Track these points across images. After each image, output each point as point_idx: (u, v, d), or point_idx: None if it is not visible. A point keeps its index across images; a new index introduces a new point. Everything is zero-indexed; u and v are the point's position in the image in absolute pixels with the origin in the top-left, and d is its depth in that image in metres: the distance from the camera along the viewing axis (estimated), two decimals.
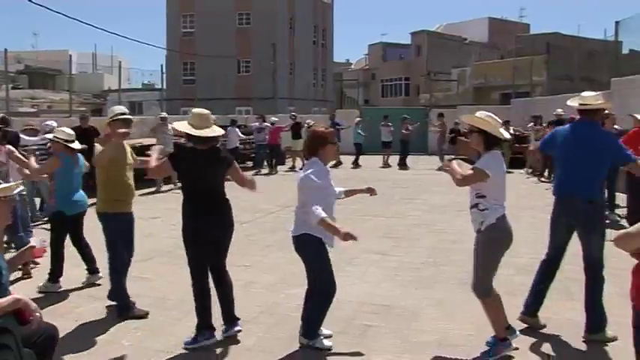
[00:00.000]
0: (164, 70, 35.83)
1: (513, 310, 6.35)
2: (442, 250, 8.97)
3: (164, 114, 18.02)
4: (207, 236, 5.48)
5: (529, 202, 13.91)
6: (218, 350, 5.38)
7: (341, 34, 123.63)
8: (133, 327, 5.94)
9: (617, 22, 20.00)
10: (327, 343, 5.29)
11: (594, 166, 5.56)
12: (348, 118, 26.12)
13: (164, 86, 37.60)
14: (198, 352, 5.32)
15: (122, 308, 6.25)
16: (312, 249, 5.16)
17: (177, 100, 42.72)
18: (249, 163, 22.66)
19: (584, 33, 65.46)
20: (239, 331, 5.65)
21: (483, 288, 5.10)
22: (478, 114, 5.12)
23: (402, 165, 22.70)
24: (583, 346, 5.43)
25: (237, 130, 20.89)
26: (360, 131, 23.96)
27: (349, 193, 5.69)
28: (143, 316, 6.20)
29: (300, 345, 5.36)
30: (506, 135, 5.09)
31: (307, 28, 52.37)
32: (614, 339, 5.43)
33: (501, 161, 5.05)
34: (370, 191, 5.68)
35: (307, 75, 51.67)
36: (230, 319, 5.68)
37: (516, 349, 5.23)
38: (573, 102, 5.78)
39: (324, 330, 5.42)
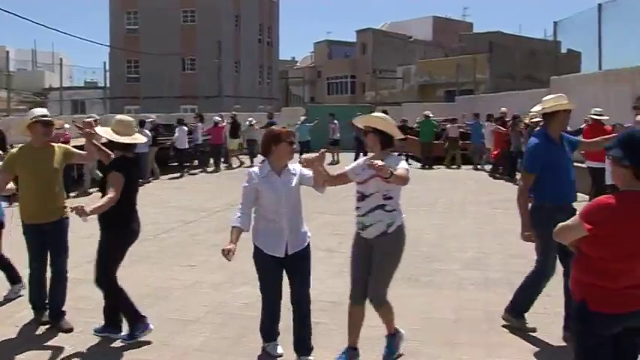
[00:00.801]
0: (107, 67, 35.28)
1: (463, 303, 6.46)
2: None
3: (94, 115, 17.58)
4: (132, 241, 5.64)
5: (475, 197, 14.15)
6: (164, 351, 5.30)
7: (286, 31, 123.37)
8: (77, 331, 5.80)
9: (555, 23, 20.47)
10: (278, 350, 5.18)
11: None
12: (293, 116, 26.08)
13: (107, 84, 36.99)
14: (144, 354, 5.23)
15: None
16: (253, 253, 5.05)
17: (121, 99, 42.06)
18: (196, 162, 22.40)
19: (525, 32, 66.75)
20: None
21: (384, 295, 4.98)
22: (374, 114, 5.13)
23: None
24: (531, 338, 5.53)
25: (185, 128, 20.57)
26: (308, 124, 23.97)
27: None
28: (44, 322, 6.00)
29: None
30: (401, 135, 5.10)
31: (253, 26, 52.16)
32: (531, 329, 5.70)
33: None
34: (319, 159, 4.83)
35: (253, 73, 51.51)
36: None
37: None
38: (538, 107, 5.83)
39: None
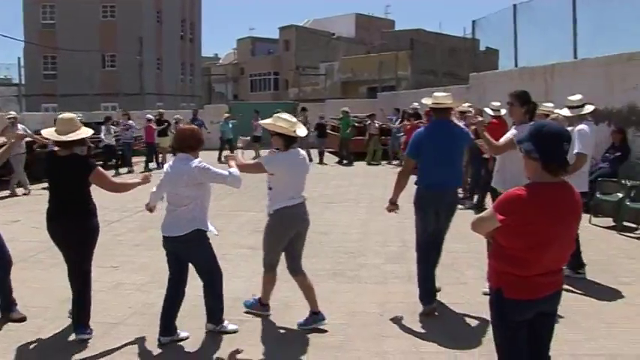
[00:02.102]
0: (22, 63, 34.05)
1: (388, 297, 6.57)
2: (312, 243, 9.02)
3: (12, 113, 16.99)
4: (61, 240, 5.56)
5: None
6: (86, 355, 5.19)
7: (209, 28, 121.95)
8: None
9: (473, 22, 20.98)
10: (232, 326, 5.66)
11: (458, 159, 6.25)
12: (216, 114, 25.86)
13: (22, 81, 35.71)
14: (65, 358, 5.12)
15: None
16: (205, 243, 5.39)
17: (37, 96, 40.74)
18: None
19: (446, 30, 68.22)
20: (88, 338, 5.50)
21: (265, 263, 5.83)
22: (279, 117, 5.65)
23: None
24: (455, 328, 5.68)
25: (111, 127, 20.12)
26: (232, 122, 23.81)
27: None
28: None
29: (207, 331, 5.58)
30: (302, 133, 5.66)
31: (175, 22, 51.46)
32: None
33: (294, 160, 5.61)
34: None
35: (175, 70, 50.81)
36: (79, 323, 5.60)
37: (268, 315, 6.01)
38: (427, 101, 6.35)
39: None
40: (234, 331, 5.57)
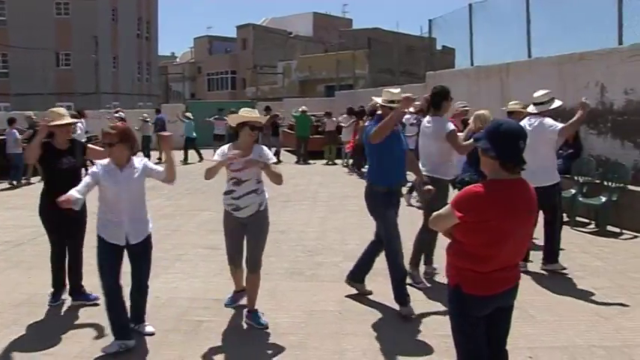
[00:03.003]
0: None
1: (346, 294, 6.58)
2: (270, 242, 8.94)
3: None
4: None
5: (353, 191, 14.40)
6: None
7: (166, 26, 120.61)
8: None
9: (430, 21, 21.20)
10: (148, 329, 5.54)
11: (369, 154, 6.29)
12: (173, 113, 25.59)
13: None
14: None
15: None
16: (98, 244, 5.33)
17: None
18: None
19: (403, 29, 68.61)
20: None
21: (261, 260, 5.75)
22: (250, 110, 5.75)
23: None
24: (410, 326, 5.73)
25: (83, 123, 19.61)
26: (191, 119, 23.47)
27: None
28: None
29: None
30: (263, 120, 5.82)
31: (131, 20, 50.85)
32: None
33: None
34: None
35: (132, 69, 50.22)
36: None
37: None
38: (378, 99, 6.41)
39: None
40: (151, 334, 5.49)
